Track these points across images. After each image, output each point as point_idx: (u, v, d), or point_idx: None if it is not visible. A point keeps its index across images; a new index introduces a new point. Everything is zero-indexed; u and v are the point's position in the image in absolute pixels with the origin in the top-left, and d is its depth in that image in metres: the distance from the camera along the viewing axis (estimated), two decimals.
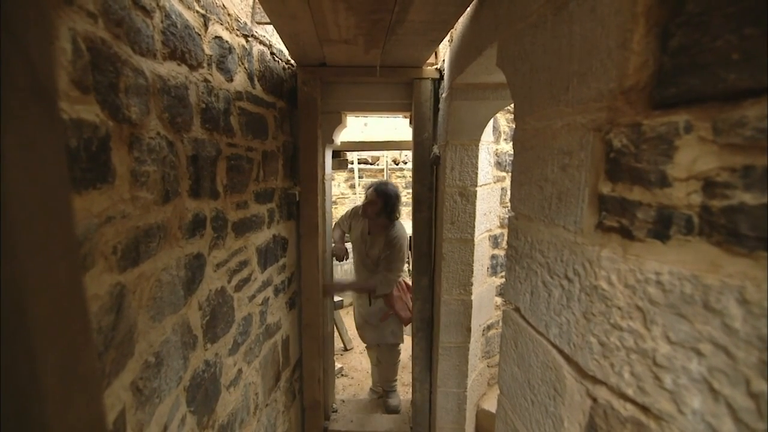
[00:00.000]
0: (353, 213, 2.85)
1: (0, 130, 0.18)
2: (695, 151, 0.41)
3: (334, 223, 2.76)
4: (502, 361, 0.87)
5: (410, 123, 2.20)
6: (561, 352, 0.63)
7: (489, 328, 2.38)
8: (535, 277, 0.72)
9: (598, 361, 0.54)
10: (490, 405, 2.26)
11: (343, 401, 2.78)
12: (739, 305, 0.38)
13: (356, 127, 3.20)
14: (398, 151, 8.04)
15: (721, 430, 0.40)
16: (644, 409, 0.48)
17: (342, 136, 2.72)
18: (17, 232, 0.19)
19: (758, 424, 0.36)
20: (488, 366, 2.46)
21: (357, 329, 2.92)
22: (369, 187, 2.71)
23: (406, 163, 8.31)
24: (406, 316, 2.62)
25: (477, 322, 1.99)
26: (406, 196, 8.47)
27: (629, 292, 0.49)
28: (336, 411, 2.64)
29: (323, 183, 2.25)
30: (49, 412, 0.20)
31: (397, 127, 3.29)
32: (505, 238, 2.56)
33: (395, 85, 2.15)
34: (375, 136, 3.24)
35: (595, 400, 0.56)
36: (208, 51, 1.20)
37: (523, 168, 0.76)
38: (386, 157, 8.14)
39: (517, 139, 0.80)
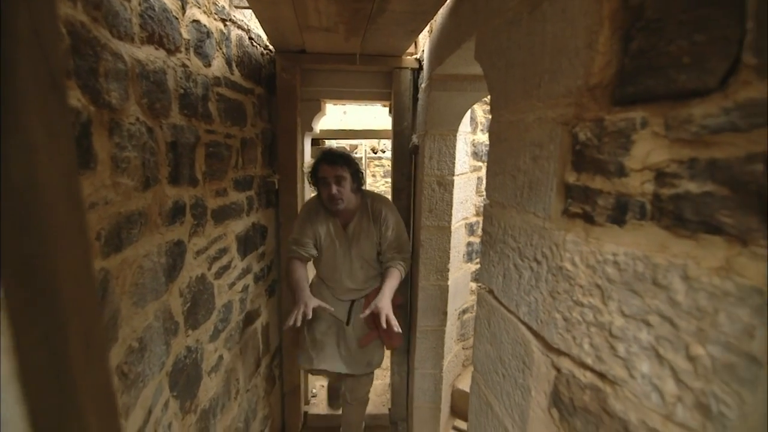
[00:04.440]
0: (308, 218, 1.86)
1: (32, 116, 0.20)
2: (649, 145, 0.46)
3: (289, 260, 1.84)
4: (476, 340, 0.93)
5: (390, 112, 2.22)
6: (530, 328, 0.68)
7: (464, 312, 2.47)
8: (507, 261, 0.76)
9: (562, 335, 0.60)
10: (465, 385, 2.36)
11: (323, 386, 2.83)
12: (683, 281, 0.43)
13: (335, 116, 3.19)
14: (377, 140, 8.04)
15: (664, 390, 0.45)
16: (601, 375, 0.53)
17: (321, 124, 2.71)
18: (47, 214, 0.21)
19: (695, 383, 0.42)
20: (463, 348, 2.55)
21: (309, 361, 1.89)
22: (313, 167, 1.81)
23: (384, 152, 8.30)
24: (397, 342, 1.90)
25: (453, 307, 2.06)
26: (384, 185, 8.50)
27: (590, 272, 0.54)
28: (315, 395, 2.68)
29: (302, 171, 2.25)
30: (76, 373, 0.23)
31: (377, 116, 3.30)
32: (481, 225, 2.64)
33: (375, 74, 2.16)
34: (354, 124, 3.24)
35: (559, 370, 0.61)
36: (185, 35, 1.18)
37: (497, 158, 0.81)
38: (364, 145, 8.12)
39: (492, 131, 0.84)
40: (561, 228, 0.59)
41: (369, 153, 8.23)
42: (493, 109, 0.84)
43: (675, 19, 0.43)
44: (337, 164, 1.75)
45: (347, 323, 1.89)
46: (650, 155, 0.46)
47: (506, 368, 0.77)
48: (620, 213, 0.49)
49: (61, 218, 0.23)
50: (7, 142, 0.16)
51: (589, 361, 0.55)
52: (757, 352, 0.36)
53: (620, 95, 0.50)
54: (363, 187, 1.92)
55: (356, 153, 8.17)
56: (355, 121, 3.25)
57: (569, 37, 0.57)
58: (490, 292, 0.85)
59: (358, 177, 1.84)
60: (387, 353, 2.08)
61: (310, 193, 2.14)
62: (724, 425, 0.39)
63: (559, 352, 0.61)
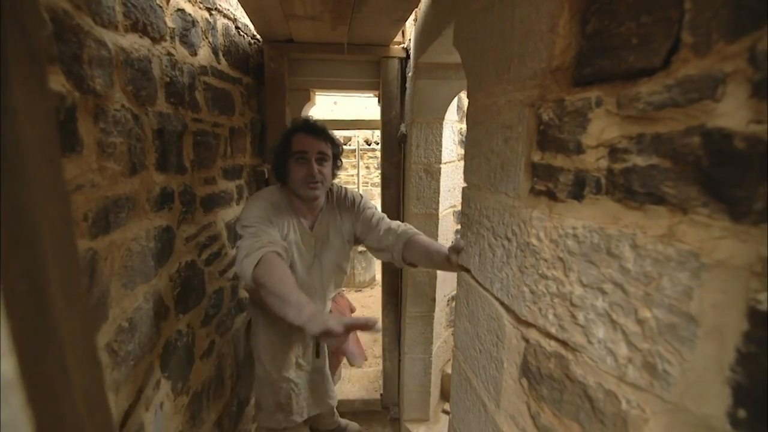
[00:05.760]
0: (270, 215, 1.26)
1: (14, 89, 0.23)
2: (603, 123, 0.49)
3: (263, 258, 1.07)
4: (457, 319, 0.96)
5: (378, 102, 2.23)
6: (502, 303, 0.72)
7: (453, 299, 2.51)
8: (482, 240, 0.79)
9: (530, 307, 0.63)
10: None
11: None
12: (632, 249, 0.46)
13: (326, 106, 3.20)
14: (370, 132, 8.04)
15: (617, 353, 0.48)
16: (564, 343, 0.56)
17: (311, 114, 2.71)
18: (29, 165, 0.24)
19: (643, 345, 0.45)
20: (452, 334, 2.60)
21: (276, 422, 1.54)
22: (284, 138, 1.34)
23: (378, 143, 8.31)
24: (361, 359, 1.66)
25: (441, 293, 2.10)
26: (378, 177, 8.52)
27: (553, 246, 0.57)
28: None
29: None
30: (56, 312, 0.25)
31: (367, 106, 3.31)
32: None
33: (363, 64, 2.17)
34: (344, 114, 3.25)
35: (527, 341, 0.64)
36: (170, 24, 1.19)
37: (474, 142, 0.83)
38: (357, 137, 8.12)
39: (469, 115, 0.86)
40: (528, 206, 0.62)
41: (362, 145, 8.23)
42: (470, 94, 0.86)
43: (624, 2, 0.46)
44: (320, 137, 1.30)
45: (317, 356, 1.54)
46: (604, 132, 0.48)
47: (482, 343, 0.81)
48: (579, 188, 0.52)
49: (46, 194, 0.26)
50: None
51: (553, 330, 0.58)
52: (695, 311, 0.39)
53: (579, 76, 0.52)
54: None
55: (350, 145, 8.16)
56: (346, 111, 3.26)
57: (535, 22, 0.60)
58: (468, 272, 0.88)
59: (337, 164, 1.41)
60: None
61: None
62: (668, 382, 0.42)
63: (528, 324, 0.64)
